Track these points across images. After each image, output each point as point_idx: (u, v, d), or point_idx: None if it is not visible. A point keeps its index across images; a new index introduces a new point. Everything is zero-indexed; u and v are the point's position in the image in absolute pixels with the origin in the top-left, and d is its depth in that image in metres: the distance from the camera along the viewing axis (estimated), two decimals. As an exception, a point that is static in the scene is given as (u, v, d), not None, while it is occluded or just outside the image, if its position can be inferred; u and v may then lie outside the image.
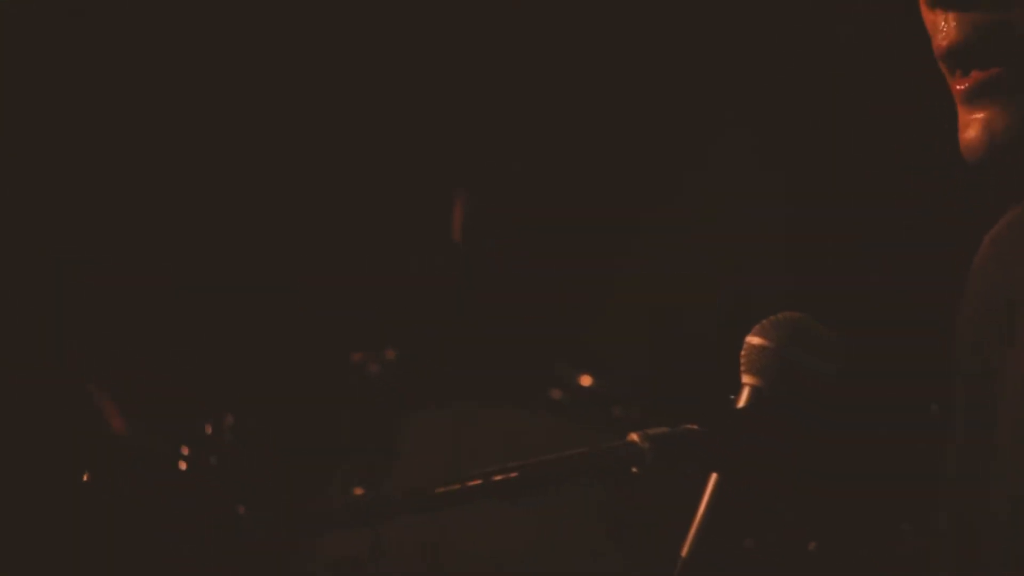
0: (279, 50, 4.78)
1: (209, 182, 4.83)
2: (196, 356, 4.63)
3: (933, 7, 2.13)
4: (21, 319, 4.70)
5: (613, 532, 3.25)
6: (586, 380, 3.87)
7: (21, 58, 4.74)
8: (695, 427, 2.07)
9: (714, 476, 2.08)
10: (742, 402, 2.11)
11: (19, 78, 4.73)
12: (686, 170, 4.66)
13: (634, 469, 2.04)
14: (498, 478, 2.03)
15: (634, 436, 2.05)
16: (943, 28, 2.10)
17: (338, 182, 4.81)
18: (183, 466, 3.95)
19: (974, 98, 2.09)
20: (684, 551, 2.05)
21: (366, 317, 4.55)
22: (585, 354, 4.11)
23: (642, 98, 4.68)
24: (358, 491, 3.68)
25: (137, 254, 4.77)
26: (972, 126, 2.09)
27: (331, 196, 4.81)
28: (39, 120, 4.74)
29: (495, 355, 4.31)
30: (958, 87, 2.10)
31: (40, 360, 4.62)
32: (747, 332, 2.14)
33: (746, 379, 2.12)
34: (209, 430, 3.88)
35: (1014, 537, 2.20)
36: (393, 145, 4.82)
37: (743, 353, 2.12)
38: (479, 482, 2.04)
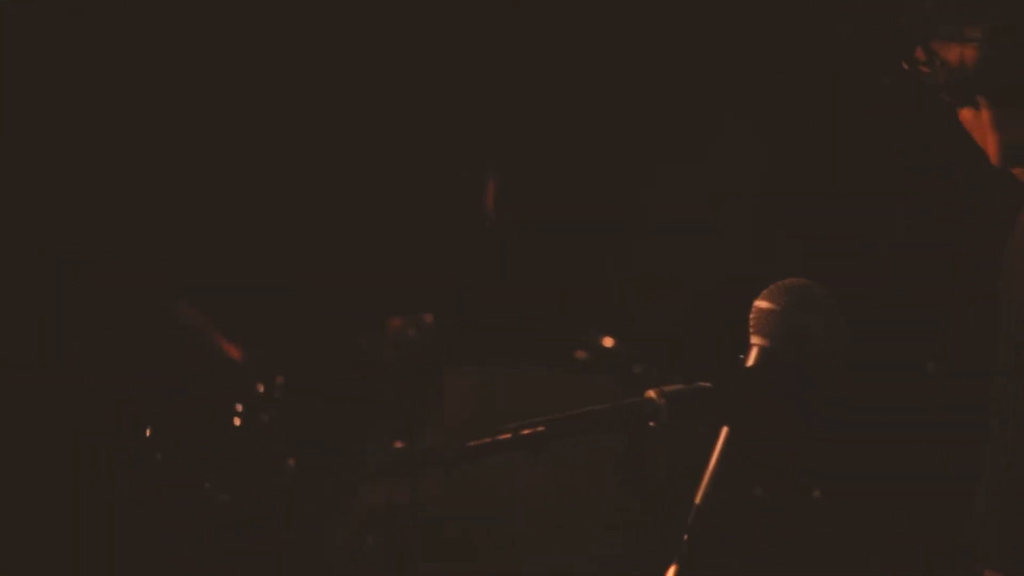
0: (277, 51, 4.59)
1: (237, 157, 4.63)
2: (249, 322, 4.43)
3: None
4: (21, 319, 4.50)
5: (630, 483, 3.24)
6: (608, 341, 3.85)
7: (21, 58, 4.54)
8: (708, 384, 2.04)
9: (725, 429, 2.04)
10: (751, 361, 2.07)
11: (19, 78, 4.53)
12: (691, 156, 4.54)
13: (652, 423, 2.02)
14: (526, 432, 2.01)
15: (652, 393, 2.03)
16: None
17: (371, 160, 4.64)
18: (238, 422, 3.95)
19: None
20: (698, 499, 2.02)
21: (404, 286, 4.44)
22: (607, 317, 4.09)
23: (660, 80, 4.55)
24: (398, 444, 3.68)
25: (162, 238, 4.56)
26: None
27: (362, 177, 4.65)
28: (39, 120, 4.54)
29: (525, 319, 4.26)
30: None
31: (40, 360, 4.45)
32: (755, 297, 2.10)
33: (755, 340, 2.08)
34: (261, 389, 3.88)
35: None
36: (415, 127, 4.66)
37: (752, 316, 2.09)
38: (509, 436, 2.02)
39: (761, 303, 2.11)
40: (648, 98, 4.55)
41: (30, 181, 4.55)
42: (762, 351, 2.10)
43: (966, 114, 2.02)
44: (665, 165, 4.54)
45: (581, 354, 3.81)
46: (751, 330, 2.12)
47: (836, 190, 4.27)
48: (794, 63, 4.16)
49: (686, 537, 2.03)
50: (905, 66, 1.98)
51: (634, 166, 4.60)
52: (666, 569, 2.06)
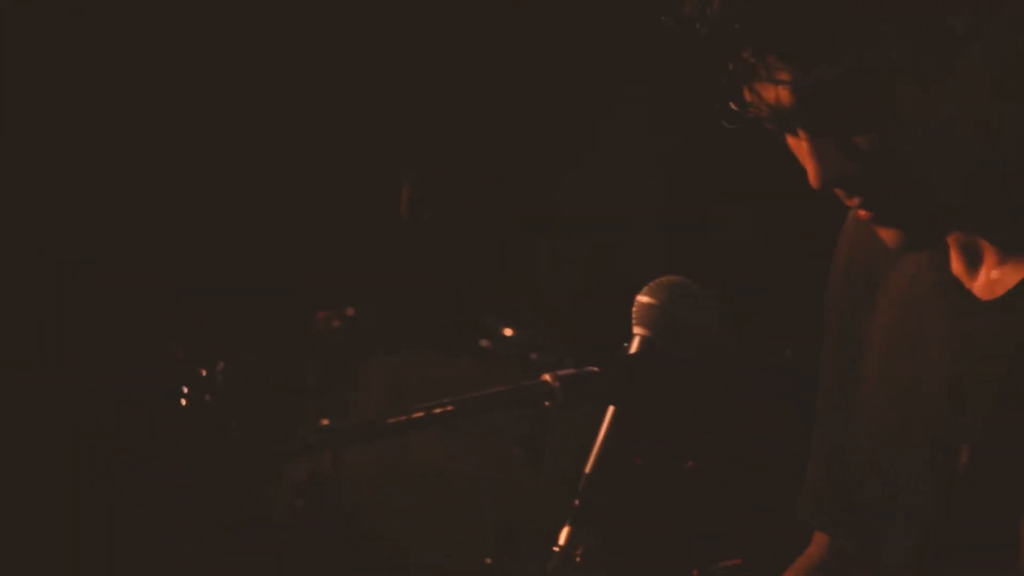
0: (273, 51, 4.47)
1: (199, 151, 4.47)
2: (193, 313, 4.29)
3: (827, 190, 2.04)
4: (21, 319, 4.28)
5: (528, 454, 3.27)
6: (508, 331, 3.86)
7: (21, 58, 4.33)
8: (596, 369, 2.09)
9: (611, 408, 2.10)
10: (634, 349, 2.12)
11: (19, 78, 4.32)
12: (584, 153, 4.48)
13: (547, 403, 2.06)
14: (437, 410, 2.04)
15: (547, 376, 2.07)
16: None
17: (303, 164, 4.52)
18: (183, 402, 3.92)
19: (874, 223, 2.06)
20: (588, 468, 2.07)
21: (329, 281, 4.33)
22: (508, 310, 4.06)
23: (551, 79, 4.47)
24: (324, 422, 3.69)
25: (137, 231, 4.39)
26: (883, 235, 2.07)
27: (299, 172, 4.52)
28: (39, 120, 4.35)
29: (435, 312, 4.22)
30: (858, 213, 2.06)
31: (40, 360, 4.26)
32: (637, 292, 2.15)
33: (637, 330, 2.13)
34: (204, 373, 3.86)
35: (868, 443, 2.25)
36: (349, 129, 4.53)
37: (634, 309, 2.14)
38: (422, 414, 2.04)
39: (642, 298, 2.15)
40: (554, 97, 4.45)
41: (30, 181, 4.33)
42: (643, 340, 2.13)
43: (790, 141, 2.05)
44: (567, 166, 4.47)
45: (485, 343, 3.82)
46: (633, 321, 2.15)
47: (716, 171, 4.20)
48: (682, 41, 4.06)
49: (577, 502, 2.06)
50: (734, 107, 2.01)
51: (537, 167, 4.50)
52: (560, 529, 2.08)
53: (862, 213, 2.04)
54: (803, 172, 2.09)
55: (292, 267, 4.45)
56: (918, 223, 2.04)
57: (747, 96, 2.01)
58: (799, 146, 2.04)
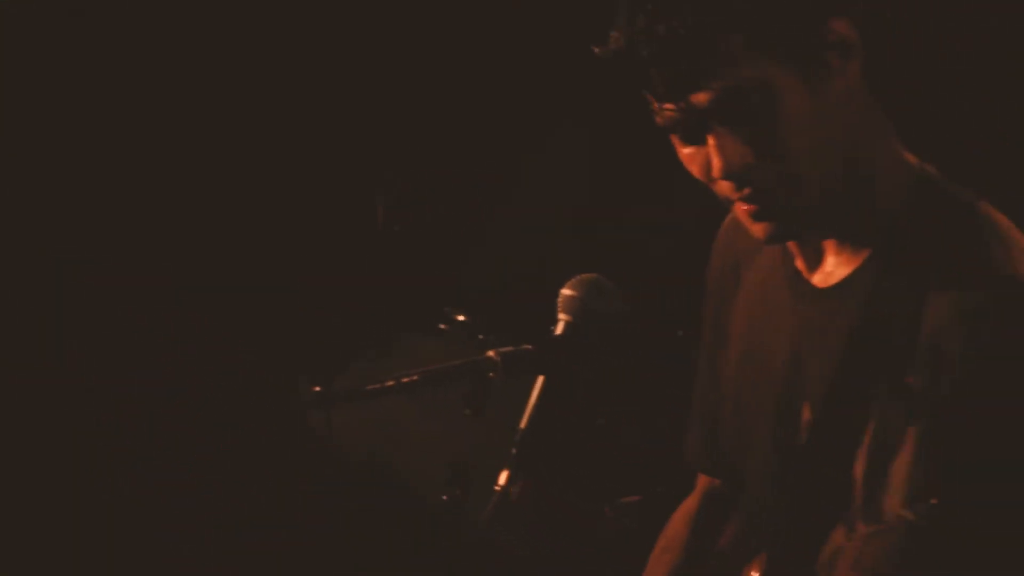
0: (270, 51, 4.30)
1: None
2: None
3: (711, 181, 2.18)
4: (21, 319, 4.04)
5: (475, 414, 3.49)
6: (461, 316, 3.98)
7: (21, 58, 4.11)
8: (530, 347, 2.28)
9: (541, 377, 2.28)
10: (559, 331, 2.31)
11: (19, 78, 4.10)
12: (525, 154, 4.38)
13: (491, 374, 2.25)
14: (405, 379, 2.27)
15: (491, 352, 2.25)
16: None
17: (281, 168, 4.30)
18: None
19: (750, 219, 2.19)
20: (522, 424, 2.27)
21: (316, 280, 4.19)
22: (462, 300, 4.13)
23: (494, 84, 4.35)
24: (316, 388, 3.82)
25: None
26: (754, 228, 2.20)
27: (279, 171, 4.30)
28: (39, 120, 4.13)
29: (405, 302, 4.22)
30: (740, 207, 2.18)
31: (40, 360, 4.03)
32: (562, 286, 2.35)
33: (561, 316, 2.31)
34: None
35: (731, 403, 2.42)
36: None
37: (559, 300, 2.32)
38: (393, 383, 2.27)
39: (565, 291, 2.33)
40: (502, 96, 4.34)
41: (30, 181, 4.12)
42: (566, 324, 2.31)
43: (686, 152, 2.20)
44: (508, 178, 4.42)
45: (444, 326, 3.94)
46: (559, 309, 2.32)
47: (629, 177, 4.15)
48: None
49: (514, 451, 2.27)
50: (655, 112, 2.17)
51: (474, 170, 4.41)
52: (499, 473, 2.28)
53: (744, 207, 2.15)
54: (695, 187, 2.22)
55: (288, 267, 4.28)
56: (788, 216, 2.16)
57: (668, 103, 2.15)
58: (696, 153, 2.18)
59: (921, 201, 2.20)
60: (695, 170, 2.22)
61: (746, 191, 2.15)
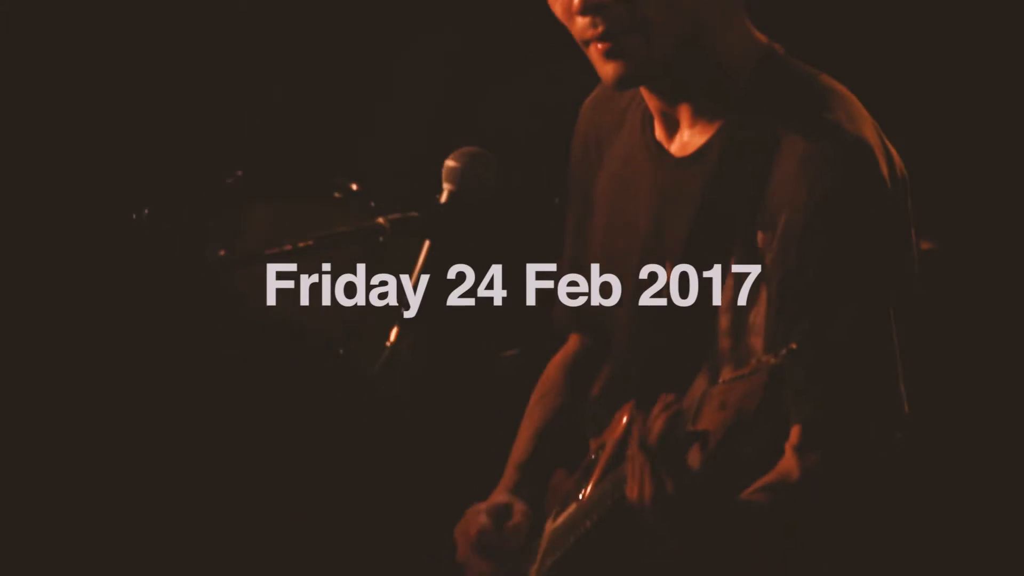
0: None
1: None
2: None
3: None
4: (21, 319, 3.96)
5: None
6: (355, 186, 4.00)
7: (21, 58, 4.08)
8: (416, 214, 2.38)
9: (427, 242, 2.38)
10: (443, 199, 2.40)
11: (19, 78, 4.06)
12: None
13: (380, 238, 2.35)
14: (302, 244, 2.37)
15: (381, 219, 2.35)
16: None
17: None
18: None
19: (603, 59, 2.30)
20: (411, 282, 2.37)
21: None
22: (356, 169, 4.13)
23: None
24: (221, 252, 3.79)
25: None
26: (608, 68, 2.30)
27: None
28: (39, 120, 4.09)
29: (303, 171, 4.20)
30: (595, 47, 2.29)
31: (40, 360, 3.95)
32: (445, 158, 2.42)
33: (445, 185, 2.40)
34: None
35: (597, 264, 2.52)
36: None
37: (443, 170, 2.41)
38: (290, 247, 2.37)
39: (449, 162, 2.41)
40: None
41: (30, 181, 4.08)
42: (450, 193, 2.40)
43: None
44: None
45: (338, 195, 3.98)
46: (443, 179, 2.41)
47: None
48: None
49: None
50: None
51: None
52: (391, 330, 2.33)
53: (599, 47, 2.26)
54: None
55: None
56: (638, 60, 2.26)
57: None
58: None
59: (768, 74, 2.31)
60: (558, 10, 2.34)
61: (600, 28, 2.23)
